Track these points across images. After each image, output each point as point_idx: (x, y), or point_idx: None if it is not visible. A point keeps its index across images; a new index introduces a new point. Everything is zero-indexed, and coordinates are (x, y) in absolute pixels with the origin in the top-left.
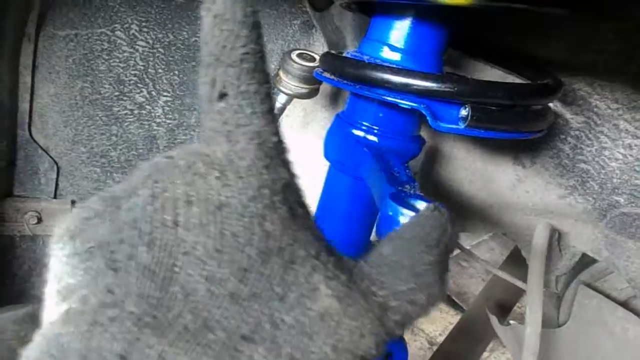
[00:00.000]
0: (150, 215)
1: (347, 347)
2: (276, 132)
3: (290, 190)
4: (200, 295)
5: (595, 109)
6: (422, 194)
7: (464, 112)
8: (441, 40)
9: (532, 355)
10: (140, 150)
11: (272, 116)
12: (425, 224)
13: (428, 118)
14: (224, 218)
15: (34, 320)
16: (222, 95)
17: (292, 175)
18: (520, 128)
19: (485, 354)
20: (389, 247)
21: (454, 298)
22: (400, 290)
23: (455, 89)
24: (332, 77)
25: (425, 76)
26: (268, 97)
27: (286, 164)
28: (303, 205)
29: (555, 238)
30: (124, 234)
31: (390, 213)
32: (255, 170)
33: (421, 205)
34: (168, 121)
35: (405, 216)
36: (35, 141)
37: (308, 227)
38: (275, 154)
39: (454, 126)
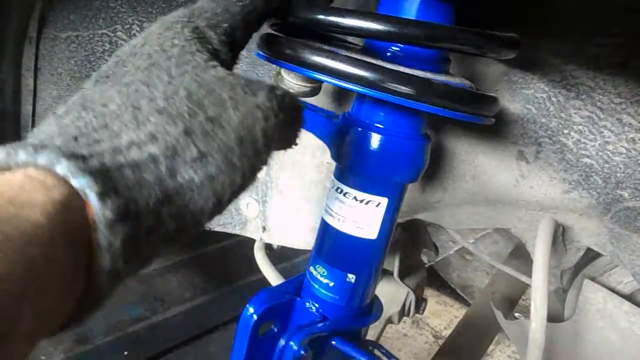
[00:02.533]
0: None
1: (247, 99)
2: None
3: (203, 33)
4: (131, 67)
5: (598, 103)
6: None
7: None
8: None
9: (537, 349)
10: None
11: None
12: None
13: None
14: (159, 30)
15: None
16: None
17: (213, 28)
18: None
19: (490, 347)
20: None
21: (458, 291)
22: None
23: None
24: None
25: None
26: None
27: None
28: (220, 45)
29: (560, 233)
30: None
31: None
32: (179, 17)
33: None
34: None
35: None
36: None
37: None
38: (207, 16)
39: None
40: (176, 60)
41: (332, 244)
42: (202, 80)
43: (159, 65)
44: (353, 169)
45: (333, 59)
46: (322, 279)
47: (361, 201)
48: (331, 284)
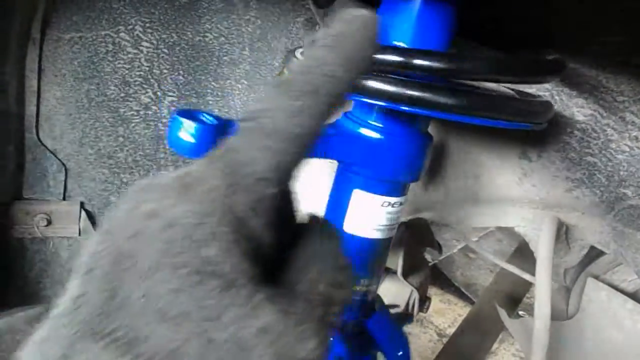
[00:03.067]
0: (116, 225)
1: (287, 354)
2: (268, 169)
3: (245, 221)
4: (135, 309)
5: (601, 102)
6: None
7: None
8: (452, 26)
9: (541, 348)
10: (147, 151)
11: (278, 160)
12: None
13: None
14: (170, 236)
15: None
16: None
17: (255, 211)
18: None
19: (494, 346)
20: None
21: (462, 290)
22: (326, 278)
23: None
24: None
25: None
26: (289, 153)
27: (259, 198)
28: (263, 233)
29: (563, 231)
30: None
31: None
32: (213, 194)
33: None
34: None
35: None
36: (43, 144)
37: (258, 255)
38: (247, 184)
39: None
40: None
41: None
42: (240, 342)
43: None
44: (355, 169)
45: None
46: None
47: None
48: None
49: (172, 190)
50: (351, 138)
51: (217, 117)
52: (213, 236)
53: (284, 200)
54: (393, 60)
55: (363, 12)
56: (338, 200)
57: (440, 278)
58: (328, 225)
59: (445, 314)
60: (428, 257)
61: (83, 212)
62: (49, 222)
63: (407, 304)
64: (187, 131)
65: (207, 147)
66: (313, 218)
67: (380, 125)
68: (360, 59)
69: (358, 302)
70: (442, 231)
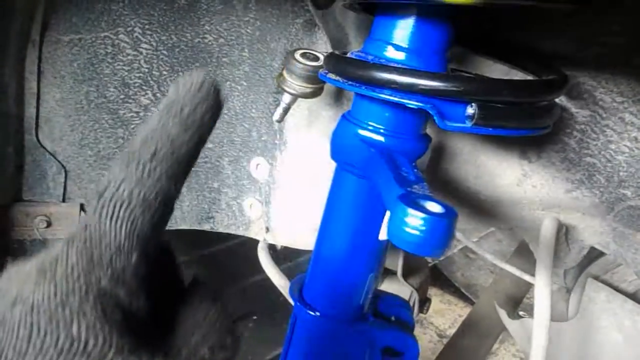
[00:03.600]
0: None
1: None
2: (125, 238)
3: (110, 293)
4: None
5: (600, 103)
6: (431, 194)
7: (470, 111)
8: (446, 38)
9: (540, 348)
10: None
11: (134, 227)
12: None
13: (435, 118)
14: (34, 320)
15: None
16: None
17: (118, 280)
18: (527, 125)
19: (495, 346)
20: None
21: (462, 290)
22: (210, 341)
23: (462, 88)
24: (337, 78)
25: (431, 76)
26: (141, 224)
27: (117, 272)
28: (132, 302)
29: (563, 232)
30: None
31: (401, 216)
32: (74, 272)
33: (432, 206)
34: None
35: (415, 218)
36: (42, 146)
37: (130, 324)
38: (107, 257)
39: (461, 125)
40: None
41: None
42: None
43: None
44: (352, 169)
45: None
46: None
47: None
48: None
49: (32, 275)
50: (349, 139)
51: (443, 204)
52: (78, 314)
53: (158, 264)
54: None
55: (198, 76)
56: (336, 203)
57: (440, 278)
58: (210, 289)
59: (446, 315)
60: (428, 258)
61: (82, 214)
62: (49, 224)
63: None
64: (414, 225)
65: (438, 241)
66: (195, 281)
67: (379, 127)
68: (199, 121)
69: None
70: None
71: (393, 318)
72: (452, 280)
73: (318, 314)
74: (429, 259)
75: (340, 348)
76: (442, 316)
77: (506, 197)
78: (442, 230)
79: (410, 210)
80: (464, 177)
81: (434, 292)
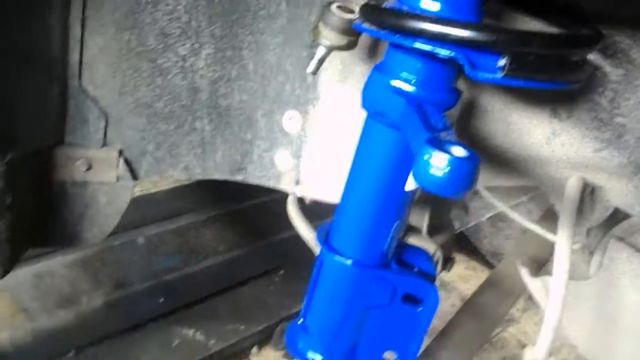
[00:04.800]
0: None
1: None
2: None
3: None
4: None
5: (634, 62)
6: (457, 140)
7: (502, 62)
8: None
9: (557, 304)
10: (184, 102)
11: None
12: None
13: (466, 67)
14: None
15: (84, 265)
16: None
17: None
18: (558, 78)
19: (517, 314)
20: None
21: (488, 258)
22: None
23: (494, 38)
24: (371, 27)
25: (463, 25)
26: None
27: None
28: None
29: (588, 191)
30: None
31: (426, 157)
32: None
33: (457, 150)
34: (210, 74)
35: (439, 159)
36: (84, 91)
37: None
38: None
39: (491, 76)
40: None
41: None
42: None
43: None
44: (382, 118)
45: None
46: None
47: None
48: None
49: None
50: (381, 89)
51: (467, 149)
52: None
53: None
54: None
55: None
56: (366, 152)
57: (466, 246)
58: None
59: (470, 281)
60: (456, 224)
61: (121, 160)
62: (89, 167)
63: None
64: (438, 166)
65: (461, 182)
66: None
67: (412, 78)
68: None
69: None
70: (471, 199)
71: (415, 269)
72: (479, 247)
73: (343, 258)
74: (457, 225)
75: (363, 292)
76: (466, 282)
77: (534, 155)
78: (465, 172)
79: (436, 152)
80: (493, 134)
81: (459, 259)
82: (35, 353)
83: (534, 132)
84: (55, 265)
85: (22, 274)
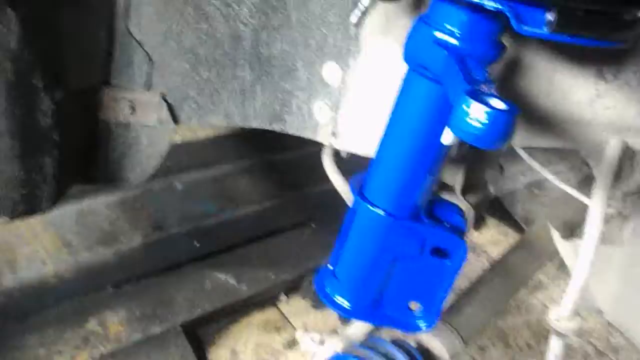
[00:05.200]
0: None
1: None
2: None
3: None
4: None
5: None
6: (497, 93)
7: (549, 16)
8: None
9: (585, 265)
10: (226, 49)
11: None
12: None
13: (512, 21)
14: None
15: (124, 206)
16: None
17: None
18: (607, 36)
19: (546, 280)
20: None
21: (521, 224)
22: None
23: None
24: None
25: None
26: None
27: None
28: None
29: (628, 156)
30: None
31: (464, 107)
32: None
33: (496, 103)
34: (253, 22)
35: (478, 110)
36: (131, 34)
37: None
38: None
39: (538, 30)
40: None
41: None
42: None
43: None
44: (423, 71)
45: None
46: None
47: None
48: None
49: None
50: (423, 41)
51: (507, 102)
52: None
53: None
54: None
55: None
56: (406, 104)
57: (499, 209)
58: None
59: (500, 245)
60: (490, 187)
61: (164, 103)
62: (133, 109)
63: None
64: (476, 117)
65: (498, 134)
66: None
67: (455, 30)
68: None
69: None
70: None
71: (446, 223)
72: (512, 212)
73: (376, 208)
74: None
75: (394, 243)
76: (497, 246)
77: (576, 116)
78: (502, 124)
79: (474, 103)
80: (536, 93)
81: (491, 222)
82: (76, 286)
83: (577, 93)
84: (98, 205)
85: (67, 211)
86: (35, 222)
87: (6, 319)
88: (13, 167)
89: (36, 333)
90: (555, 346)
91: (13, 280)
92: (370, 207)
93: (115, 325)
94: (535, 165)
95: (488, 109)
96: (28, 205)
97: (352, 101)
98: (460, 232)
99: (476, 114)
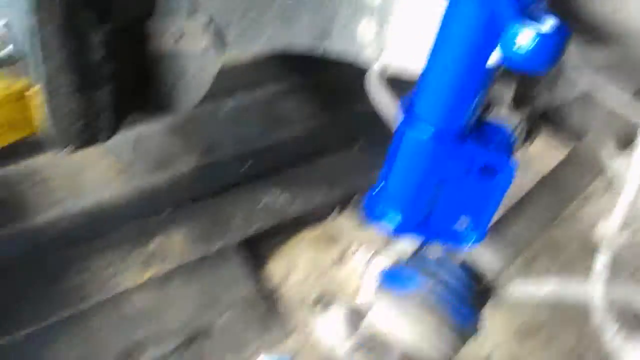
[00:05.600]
0: None
1: None
2: None
3: None
4: None
5: None
6: (547, 12)
7: None
8: None
9: (636, 180)
10: None
11: None
12: None
13: None
14: None
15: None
16: None
17: None
18: None
19: (596, 195)
20: None
21: (571, 138)
22: None
23: None
24: None
25: None
26: None
27: None
28: None
29: None
30: None
31: (512, 31)
32: None
33: (545, 24)
34: None
35: (524, 34)
36: None
37: None
38: None
39: None
40: None
41: None
42: None
43: None
44: None
45: None
46: None
47: None
48: None
49: None
50: None
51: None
52: None
53: None
54: None
55: None
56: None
57: (551, 123)
58: None
59: (550, 159)
60: (542, 99)
61: (209, 29)
62: (179, 37)
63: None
64: (523, 41)
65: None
66: None
67: None
68: None
69: None
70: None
71: (494, 143)
72: (563, 126)
73: (424, 127)
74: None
75: (442, 161)
76: (546, 159)
77: (632, 27)
78: (550, 48)
79: (522, 28)
80: (590, 3)
81: (541, 136)
82: (137, 210)
83: (635, 3)
84: (152, 132)
85: (124, 139)
86: (95, 151)
87: (72, 243)
88: (73, 100)
89: (102, 255)
90: (602, 259)
91: (77, 206)
92: (418, 126)
93: (176, 244)
94: (589, 82)
95: (535, 34)
96: (90, 135)
97: (398, 19)
98: (508, 150)
99: (523, 39)
